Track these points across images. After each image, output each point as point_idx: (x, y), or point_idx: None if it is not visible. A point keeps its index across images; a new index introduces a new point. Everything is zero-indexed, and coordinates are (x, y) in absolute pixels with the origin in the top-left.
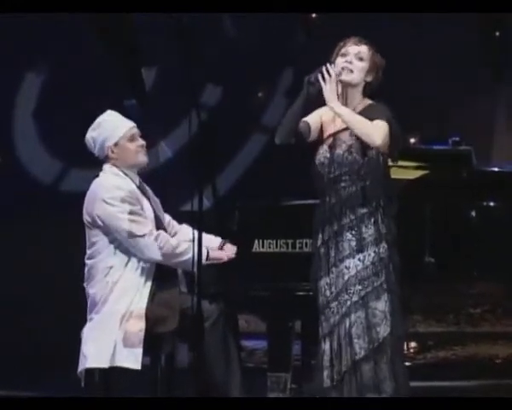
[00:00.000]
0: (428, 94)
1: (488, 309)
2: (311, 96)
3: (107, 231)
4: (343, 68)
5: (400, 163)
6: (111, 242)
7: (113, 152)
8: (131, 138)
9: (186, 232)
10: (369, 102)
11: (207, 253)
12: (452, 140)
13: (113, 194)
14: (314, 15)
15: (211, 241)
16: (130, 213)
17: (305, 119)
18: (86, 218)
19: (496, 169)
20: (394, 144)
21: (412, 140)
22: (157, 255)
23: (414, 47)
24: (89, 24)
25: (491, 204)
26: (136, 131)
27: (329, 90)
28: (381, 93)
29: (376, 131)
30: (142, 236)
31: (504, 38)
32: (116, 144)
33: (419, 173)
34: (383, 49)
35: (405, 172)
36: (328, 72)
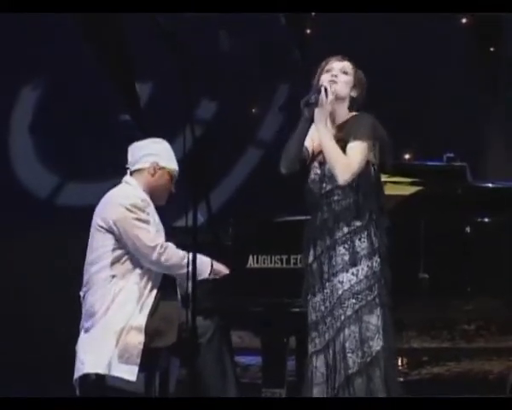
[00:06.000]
0: (423, 110)
1: (482, 325)
2: (311, 118)
3: (119, 237)
4: (329, 82)
5: (395, 179)
6: (118, 249)
7: (154, 171)
8: (172, 179)
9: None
10: (352, 113)
11: (211, 265)
12: (447, 156)
13: (133, 201)
14: (309, 31)
15: (202, 261)
16: (146, 222)
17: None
18: (98, 221)
19: (490, 185)
20: (383, 148)
21: (407, 156)
22: (165, 266)
23: (409, 63)
24: (84, 38)
25: (486, 220)
26: (176, 176)
27: (321, 111)
28: (374, 109)
29: (344, 171)
30: (154, 246)
31: (500, 54)
32: (163, 169)
33: (414, 189)
34: (377, 65)
35: (400, 187)
36: (326, 92)
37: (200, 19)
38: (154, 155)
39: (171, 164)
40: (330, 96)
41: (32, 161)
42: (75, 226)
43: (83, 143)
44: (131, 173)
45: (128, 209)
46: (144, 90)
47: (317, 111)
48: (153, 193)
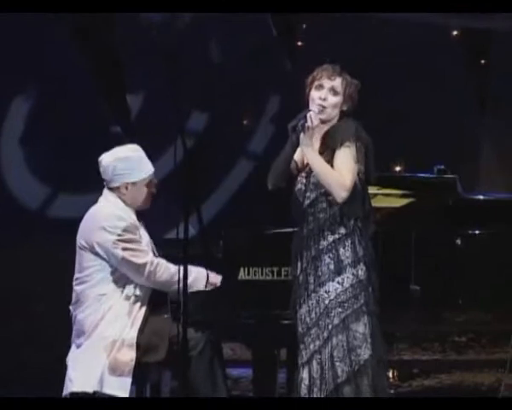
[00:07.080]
0: (414, 122)
1: (473, 337)
2: (297, 142)
3: (105, 258)
4: (318, 105)
5: (386, 191)
6: (106, 269)
7: (126, 189)
8: (149, 184)
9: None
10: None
11: (207, 277)
12: (437, 168)
13: (115, 223)
14: (300, 44)
15: (198, 272)
16: (131, 241)
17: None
18: (82, 242)
19: (481, 197)
20: (367, 153)
21: (398, 168)
22: (157, 283)
23: (401, 75)
24: (76, 50)
25: (476, 232)
26: (153, 177)
27: (307, 136)
28: (364, 120)
29: (340, 190)
30: (144, 264)
31: (489, 67)
32: (134, 184)
33: (404, 201)
34: (368, 76)
35: (391, 200)
36: (311, 120)
37: (192, 29)
38: (121, 175)
39: (143, 174)
40: (316, 123)
41: (23, 171)
42: (67, 237)
43: (74, 155)
44: (108, 188)
45: (110, 232)
46: (135, 102)
47: (303, 136)
48: (133, 203)
